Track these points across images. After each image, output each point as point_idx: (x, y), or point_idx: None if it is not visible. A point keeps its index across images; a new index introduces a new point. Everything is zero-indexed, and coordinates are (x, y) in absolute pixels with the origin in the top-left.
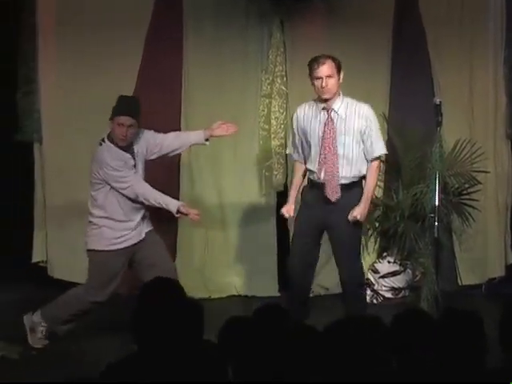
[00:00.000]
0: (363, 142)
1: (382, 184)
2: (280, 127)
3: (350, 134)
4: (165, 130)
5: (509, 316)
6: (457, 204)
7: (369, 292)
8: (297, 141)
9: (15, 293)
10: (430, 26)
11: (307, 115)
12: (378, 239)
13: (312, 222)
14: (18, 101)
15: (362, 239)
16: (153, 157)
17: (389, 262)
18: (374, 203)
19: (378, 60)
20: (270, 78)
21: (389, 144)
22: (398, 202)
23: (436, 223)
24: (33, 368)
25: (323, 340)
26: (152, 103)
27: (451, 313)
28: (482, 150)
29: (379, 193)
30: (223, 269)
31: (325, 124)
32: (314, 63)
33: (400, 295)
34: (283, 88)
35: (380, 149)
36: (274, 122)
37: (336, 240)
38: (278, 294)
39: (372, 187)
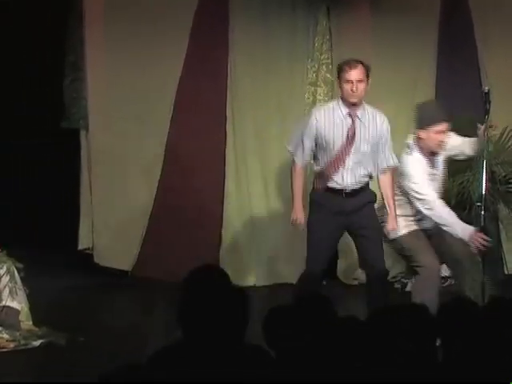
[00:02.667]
0: (379, 150)
1: None
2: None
3: (368, 143)
4: (210, 118)
5: None
6: (504, 193)
7: (414, 281)
8: (307, 145)
9: (62, 280)
10: (478, 15)
11: (329, 120)
12: None
13: (335, 228)
14: (65, 88)
15: None
16: None
17: None
18: None
19: (424, 50)
20: (316, 66)
21: None
22: (444, 191)
23: (483, 212)
24: (80, 354)
25: (367, 329)
26: (197, 92)
27: (497, 302)
28: None
29: None
30: (270, 256)
31: (349, 130)
32: (345, 66)
33: (446, 284)
34: (328, 76)
35: (394, 158)
36: None
37: (364, 237)
38: (324, 283)
39: (393, 196)
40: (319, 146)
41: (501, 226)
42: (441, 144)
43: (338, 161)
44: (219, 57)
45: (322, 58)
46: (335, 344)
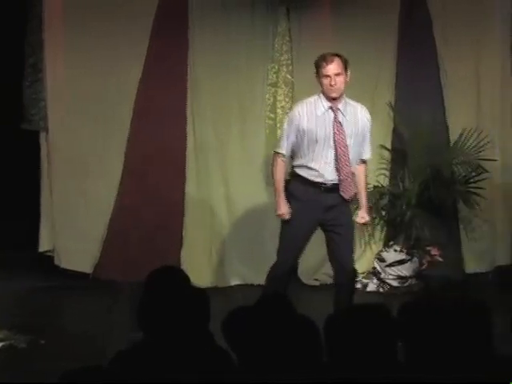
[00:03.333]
0: (362, 143)
1: (387, 172)
2: (286, 116)
3: (351, 136)
4: (170, 119)
5: None
6: (464, 192)
7: (375, 281)
8: (291, 139)
9: (22, 282)
10: (437, 14)
11: (310, 114)
12: (385, 228)
13: (310, 222)
14: (25, 90)
15: (369, 228)
16: None
17: (395, 250)
18: (380, 192)
19: (384, 48)
20: (276, 67)
21: (395, 132)
22: (404, 190)
23: None
24: (41, 357)
25: (327, 330)
26: (157, 93)
27: (457, 301)
28: (488, 139)
29: (385, 181)
30: (230, 258)
31: (333, 124)
32: (321, 61)
33: (407, 284)
34: (289, 77)
35: (370, 151)
36: (279, 110)
37: (337, 236)
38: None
39: (365, 187)
40: (301, 140)
41: (461, 226)
42: None
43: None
44: (179, 58)
45: (283, 58)
46: (295, 344)
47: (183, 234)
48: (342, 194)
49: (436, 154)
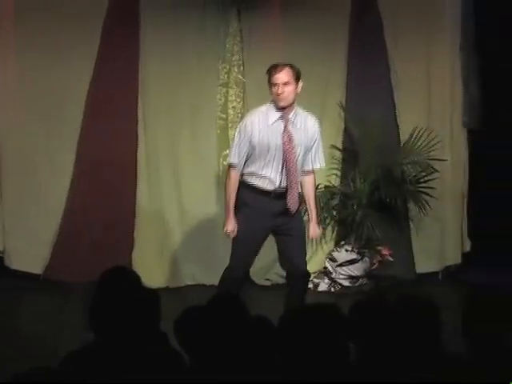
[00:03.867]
0: (309, 152)
1: (338, 172)
2: (237, 116)
3: (301, 146)
4: (121, 120)
5: (470, 304)
6: (414, 192)
7: (326, 280)
8: (244, 151)
9: None
10: (387, 14)
11: (262, 124)
12: (336, 228)
13: (262, 229)
14: None
15: (320, 228)
16: None
17: (346, 250)
18: (331, 192)
19: (335, 50)
20: (227, 67)
21: (346, 133)
22: (355, 191)
23: None
24: None
25: (280, 330)
26: (108, 94)
27: (407, 300)
28: (438, 139)
29: (336, 181)
30: (181, 258)
31: (283, 134)
32: (271, 69)
33: (358, 283)
34: (240, 77)
35: (322, 161)
36: (231, 111)
37: (290, 242)
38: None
39: (315, 199)
40: (253, 149)
41: (411, 226)
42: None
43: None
44: (130, 58)
45: (234, 59)
46: (247, 344)
47: (135, 234)
48: (288, 204)
49: (386, 154)
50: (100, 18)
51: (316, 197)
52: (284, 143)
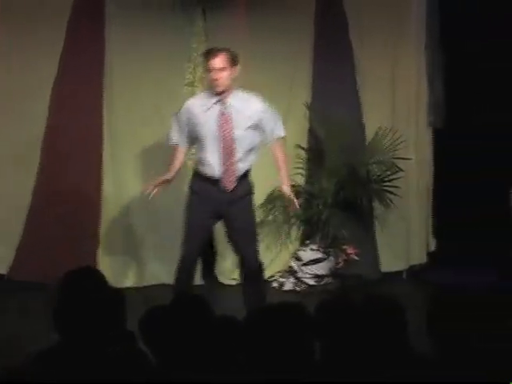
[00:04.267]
0: (262, 130)
1: (304, 172)
2: None
3: (243, 127)
4: (86, 119)
5: (433, 303)
6: (379, 191)
7: (292, 280)
8: (185, 131)
9: None
10: (353, 13)
11: (199, 108)
12: (301, 227)
13: (208, 214)
14: None
15: (286, 227)
16: None
17: (312, 249)
18: (296, 191)
19: (300, 50)
20: (193, 67)
21: (312, 132)
22: (320, 190)
23: None
24: None
25: (245, 329)
26: (73, 92)
27: (372, 300)
28: (403, 138)
29: (302, 181)
30: (146, 258)
31: (220, 117)
32: (207, 55)
33: (323, 282)
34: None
35: (281, 130)
36: None
37: (237, 230)
38: (202, 282)
39: (286, 163)
40: (194, 134)
41: (376, 225)
42: None
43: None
44: (96, 57)
45: (199, 58)
46: (212, 344)
47: (100, 233)
48: (223, 185)
49: (352, 154)
50: (65, 16)
51: (285, 159)
52: (221, 125)
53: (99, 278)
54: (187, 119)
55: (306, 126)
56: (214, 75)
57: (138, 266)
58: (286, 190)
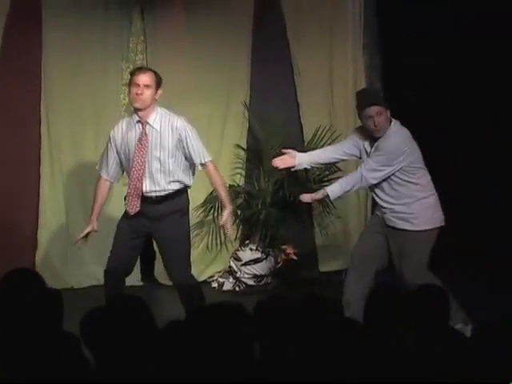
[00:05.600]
0: (184, 152)
1: (243, 172)
2: None
3: (165, 148)
4: (23, 119)
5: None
6: (317, 191)
7: (231, 280)
8: (111, 157)
9: None
10: (290, 14)
11: (124, 129)
12: (241, 227)
13: (133, 230)
14: None
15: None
16: None
17: (251, 249)
18: (235, 191)
19: (238, 50)
20: (131, 67)
21: (250, 132)
22: (259, 190)
23: None
24: None
25: (185, 329)
26: (10, 93)
27: (311, 299)
28: (342, 138)
29: (241, 181)
30: (85, 259)
31: (139, 138)
32: (135, 70)
33: (262, 282)
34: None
35: (206, 155)
36: None
37: (164, 252)
38: (141, 284)
39: (223, 186)
40: (120, 155)
41: (315, 224)
42: (372, 128)
43: (137, 168)
44: (33, 57)
45: (137, 58)
46: (151, 345)
47: (38, 235)
48: (127, 208)
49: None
50: (2, 17)
51: (223, 183)
52: (137, 147)
53: (37, 279)
54: (115, 145)
55: (245, 125)
56: (138, 90)
57: (77, 268)
58: (226, 216)
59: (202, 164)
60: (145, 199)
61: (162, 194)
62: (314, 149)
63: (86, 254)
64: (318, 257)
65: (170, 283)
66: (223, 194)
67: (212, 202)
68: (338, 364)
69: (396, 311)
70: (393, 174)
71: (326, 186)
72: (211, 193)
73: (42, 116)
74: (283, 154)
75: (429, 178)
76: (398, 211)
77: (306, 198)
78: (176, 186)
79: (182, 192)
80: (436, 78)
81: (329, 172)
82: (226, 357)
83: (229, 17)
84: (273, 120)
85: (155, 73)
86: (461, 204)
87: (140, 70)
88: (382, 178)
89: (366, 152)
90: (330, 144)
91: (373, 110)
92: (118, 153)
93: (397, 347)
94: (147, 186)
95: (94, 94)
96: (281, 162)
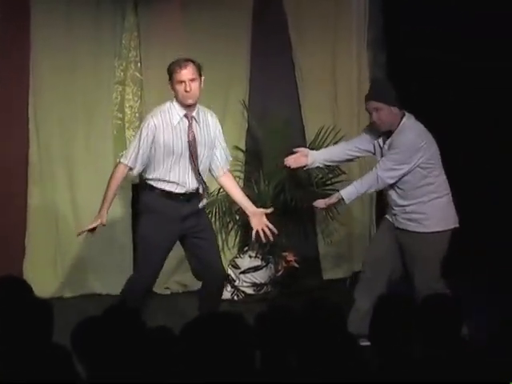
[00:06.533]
0: (215, 151)
1: (242, 175)
2: (134, 116)
3: (206, 144)
4: (12, 118)
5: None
6: (320, 195)
7: (229, 288)
8: (145, 156)
9: None
10: (292, 10)
11: (166, 125)
12: (239, 233)
13: (170, 235)
14: None
15: (222, 233)
16: None
17: (250, 256)
18: None
19: (238, 46)
20: (124, 64)
21: (249, 132)
22: (259, 193)
23: None
24: None
25: (182, 339)
26: None
27: (314, 307)
28: (346, 138)
29: (240, 184)
30: (77, 267)
31: (188, 132)
32: (175, 66)
33: (262, 291)
34: (137, 74)
35: (228, 154)
36: (128, 110)
37: (203, 241)
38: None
39: (243, 193)
40: (156, 152)
41: (318, 231)
42: (373, 123)
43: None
44: (21, 54)
45: (130, 55)
46: (145, 355)
47: (26, 242)
48: (199, 205)
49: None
50: None
51: (242, 191)
52: (189, 142)
53: (25, 288)
54: (152, 138)
55: (245, 126)
56: (186, 87)
57: (67, 276)
58: (260, 223)
59: (223, 168)
60: (177, 197)
61: (196, 191)
62: (316, 150)
63: (77, 262)
64: (321, 264)
65: (164, 292)
66: (245, 200)
67: (210, 207)
68: (339, 373)
69: (403, 321)
70: (409, 173)
71: (329, 189)
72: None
73: (31, 115)
74: (295, 152)
75: (445, 176)
76: (409, 211)
77: (320, 204)
78: (204, 183)
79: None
80: (441, 76)
81: (332, 175)
82: (225, 367)
83: (227, 11)
84: (273, 120)
85: (194, 62)
86: (465, 204)
87: (180, 64)
88: (400, 177)
89: (380, 147)
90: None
91: (370, 105)
92: (155, 147)
93: (401, 358)
94: (190, 184)
95: (85, 92)
96: (293, 161)
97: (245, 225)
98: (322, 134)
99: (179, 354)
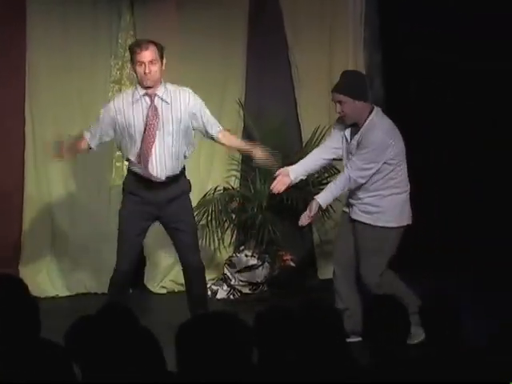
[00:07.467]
0: (198, 123)
1: (238, 174)
2: None
3: (177, 122)
4: (7, 117)
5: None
6: (316, 194)
7: (225, 287)
8: (100, 133)
9: None
10: (288, 8)
11: (127, 103)
12: (235, 232)
13: (144, 218)
14: None
15: (218, 232)
16: None
17: (246, 255)
18: (230, 194)
19: (233, 45)
20: (120, 63)
21: (245, 131)
22: (255, 193)
23: None
24: None
25: (179, 339)
26: None
27: (310, 306)
28: None
29: (236, 183)
30: (72, 266)
31: (148, 109)
32: (135, 47)
33: (258, 290)
34: (133, 73)
35: (217, 124)
36: None
37: (179, 233)
38: (130, 291)
39: (241, 141)
40: (123, 133)
41: (314, 230)
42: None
43: (145, 146)
44: (17, 54)
45: (127, 54)
46: (140, 355)
47: (21, 241)
48: (156, 186)
49: (288, 154)
50: None
51: (238, 140)
52: (148, 117)
53: (21, 287)
54: (112, 118)
55: (241, 125)
56: (146, 69)
57: (62, 275)
58: (260, 155)
59: (218, 132)
60: (150, 181)
61: (168, 174)
62: (313, 149)
63: (72, 261)
64: (318, 263)
65: (160, 291)
66: (246, 145)
67: (206, 206)
68: (336, 372)
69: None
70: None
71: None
72: (204, 196)
73: (27, 115)
74: (275, 178)
75: (406, 173)
76: (366, 203)
77: (304, 221)
78: (181, 166)
79: (184, 172)
80: (437, 76)
81: (328, 174)
82: (220, 367)
83: (223, 11)
84: (269, 119)
85: (156, 44)
86: (451, 202)
87: (140, 46)
88: (371, 176)
89: (347, 141)
90: None
91: (334, 97)
92: (118, 126)
93: (398, 358)
94: (157, 166)
95: (81, 91)
96: (279, 185)
97: (241, 224)
98: (318, 133)
99: (175, 355)
